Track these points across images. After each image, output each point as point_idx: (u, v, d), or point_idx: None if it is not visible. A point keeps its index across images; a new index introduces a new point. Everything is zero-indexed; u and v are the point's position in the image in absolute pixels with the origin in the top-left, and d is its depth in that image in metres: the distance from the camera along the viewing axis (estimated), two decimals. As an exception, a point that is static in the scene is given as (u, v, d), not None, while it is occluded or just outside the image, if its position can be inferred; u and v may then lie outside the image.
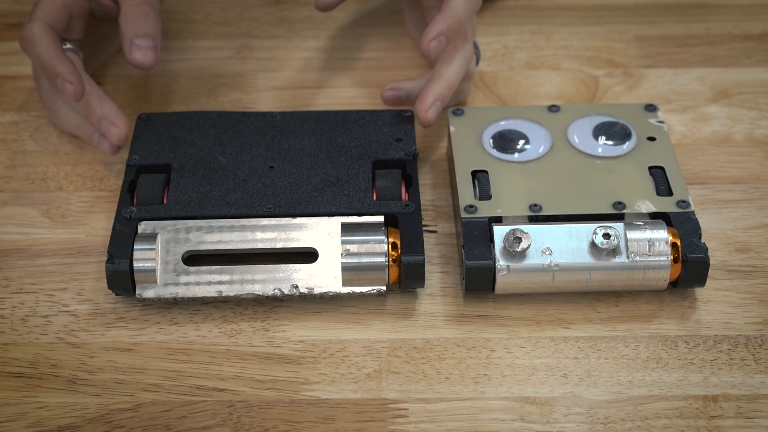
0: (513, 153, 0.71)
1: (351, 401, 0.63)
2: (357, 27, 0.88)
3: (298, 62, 0.85)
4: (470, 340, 0.66)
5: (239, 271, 0.67)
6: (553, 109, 0.74)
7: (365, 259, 0.66)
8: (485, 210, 0.68)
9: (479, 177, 0.70)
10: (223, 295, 0.67)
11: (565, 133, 0.73)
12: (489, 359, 0.65)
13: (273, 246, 0.67)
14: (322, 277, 0.67)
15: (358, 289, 0.67)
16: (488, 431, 0.62)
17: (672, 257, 0.66)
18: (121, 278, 0.66)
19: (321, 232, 0.68)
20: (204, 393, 0.64)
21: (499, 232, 0.66)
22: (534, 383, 0.64)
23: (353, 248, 0.66)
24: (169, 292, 0.66)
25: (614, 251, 0.66)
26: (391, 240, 0.67)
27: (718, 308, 0.67)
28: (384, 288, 0.67)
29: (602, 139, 0.72)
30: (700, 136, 0.78)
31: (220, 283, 0.67)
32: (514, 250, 0.65)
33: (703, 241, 0.66)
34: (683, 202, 0.68)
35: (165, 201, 0.69)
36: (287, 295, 0.66)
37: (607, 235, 0.65)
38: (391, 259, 0.66)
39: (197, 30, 0.88)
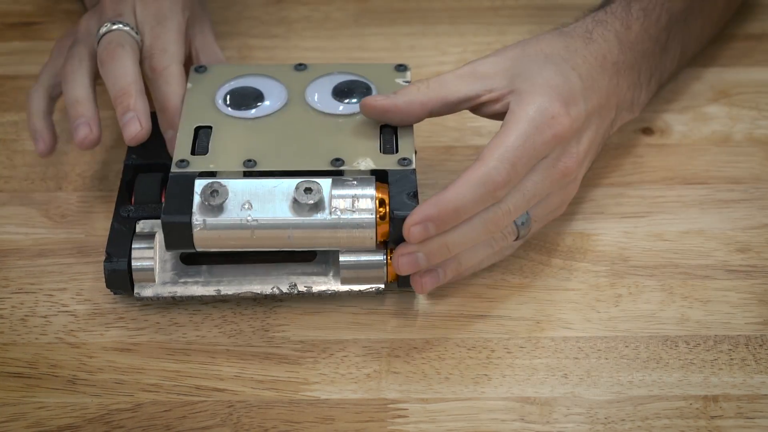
0: (246, 110, 0.70)
1: (351, 401, 0.63)
2: (357, 27, 0.88)
3: (297, 62, 0.85)
4: (470, 340, 0.66)
5: (237, 270, 0.67)
6: (299, 67, 0.72)
7: (363, 257, 0.66)
8: (197, 165, 0.66)
9: (200, 132, 0.68)
10: (222, 293, 0.66)
11: (303, 92, 0.71)
12: (489, 359, 0.65)
13: None
14: (321, 275, 0.67)
15: (356, 287, 0.67)
16: (488, 431, 0.62)
17: (380, 215, 0.64)
18: (120, 277, 0.66)
19: None
20: (204, 393, 0.64)
21: (198, 185, 0.64)
22: (534, 383, 0.64)
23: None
24: (167, 291, 0.66)
25: (317, 207, 0.64)
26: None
27: (718, 308, 0.67)
28: (382, 286, 0.66)
29: (340, 98, 0.70)
30: (700, 136, 0.78)
31: (218, 282, 0.67)
32: (210, 204, 0.63)
33: (419, 199, 0.64)
34: (405, 159, 0.66)
35: (163, 200, 0.69)
36: (285, 293, 0.66)
37: (308, 190, 0.64)
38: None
39: (197, 30, 0.88)
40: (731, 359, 0.65)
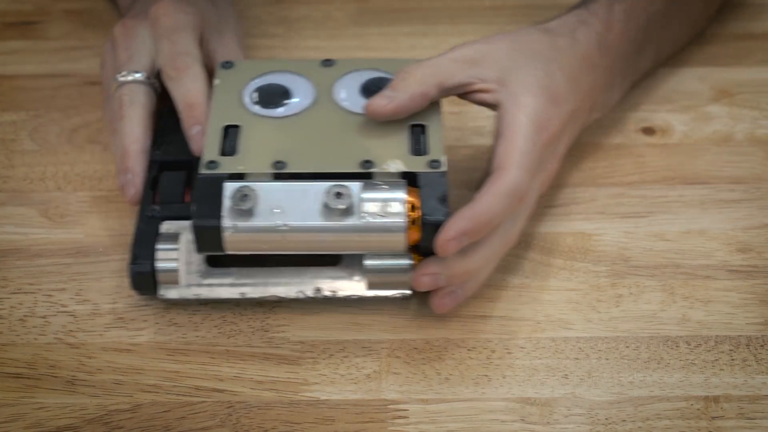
0: (273, 108, 0.69)
1: (351, 402, 0.63)
2: (357, 26, 0.88)
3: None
4: (470, 340, 0.66)
5: (262, 273, 0.66)
6: (327, 63, 0.71)
7: (388, 262, 0.65)
8: (226, 166, 0.65)
9: (230, 132, 0.67)
10: (247, 296, 0.66)
11: (331, 89, 0.70)
12: (489, 360, 0.65)
13: None
14: (346, 280, 0.66)
15: (382, 293, 0.66)
16: (488, 432, 0.62)
17: (411, 219, 0.63)
18: (145, 279, 0.65)
19: None
20: (203, 394, 0.64)
21: (229, 189, 0.63)
22: (534, 384, 0.64)
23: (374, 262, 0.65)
24: (192, 293, 0.66)
25: (347, 212, 0.63)
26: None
27: (719, 308, 0.67)
28: (409, 291, 0.66)
29: (369, 96, 0.68)
30: (701, 135, 0.78)
31: (243, 284, 0.66)
32: (241, 208, 0.62)
33: (448, 206, 0.63)
34: (435, 162, 0.65)
35: (187, 198, 0.69)
36: (310, 297, 0.66)
37: (339, 194, 0.63)
38: (416, 259, 0.65)
39: (196, 29, 0.88)
40: (732, 360, 0.65)
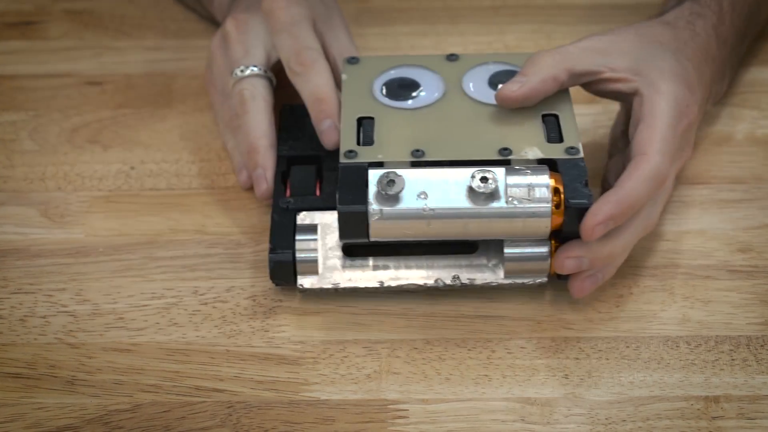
0: (403, 100, 0.69)
1: (351, 402, 0.63)
2: (357, 27, 0.88)
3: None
4: (470, 340, 0.66)
5: (400, 262, 0.66)
6: (452, 58, 0.72)
7: (528, 250, 0.65)
8: (365, 155, 0.65)
9: (364, 123, 0.68)
10: (385, 285, 0.66)
11: (459, 82, 0.70)
12: (489, 360, 0.65)
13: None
14: (483, 267, 0.66)
15: (519, 280, 0.66)
16: (489, 432, 0.62)
17: (554, 204, 0.64)
18: (284, 269, 0.66)
19: None
20: (203, 394, 0.64)
21: (374, 175, 0.64)
22: (535, 384, 0.64)
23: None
24: (330, 282, 0.66)
25: (492, 196, 0.63)
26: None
27: (719, 308, 0.67)
28: (545, 279, 0.66)
29: (498, 87, 0.69)
30: (702, 135, 0.78)
31: (381, 273, 0.66)
32: (387, 193, 0.63)
33: (590, 188, 0.64)
34: (572, 148, 0.65)
35: (318, 192, 0.69)
36: (449, 285, 0.66)
37: (484, 179, 0.63)
38: (553, 247, 0.65)
39: (197, 29, 0.88)
40: (732, 360, 0.65)
